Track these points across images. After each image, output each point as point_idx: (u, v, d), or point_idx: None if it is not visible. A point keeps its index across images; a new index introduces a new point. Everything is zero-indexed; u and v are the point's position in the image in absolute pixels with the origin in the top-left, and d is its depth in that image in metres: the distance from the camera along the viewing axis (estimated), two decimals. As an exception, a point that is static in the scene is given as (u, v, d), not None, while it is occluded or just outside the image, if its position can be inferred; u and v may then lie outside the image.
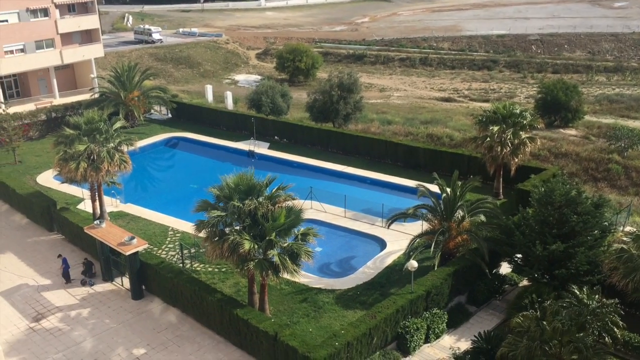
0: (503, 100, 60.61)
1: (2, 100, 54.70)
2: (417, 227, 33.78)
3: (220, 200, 26.13)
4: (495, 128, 37.40)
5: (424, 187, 32.10)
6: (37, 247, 35.75)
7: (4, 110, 49.83)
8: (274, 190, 26.42)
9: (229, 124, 57.50)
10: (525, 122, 38.29)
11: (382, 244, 34.96)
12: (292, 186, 27.08)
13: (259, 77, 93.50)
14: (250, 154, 50.49)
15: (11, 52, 57.81)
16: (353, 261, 33.90)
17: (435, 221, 30.92)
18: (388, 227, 33.40)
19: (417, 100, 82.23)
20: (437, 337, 26.99)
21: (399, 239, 34.49)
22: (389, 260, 32.76)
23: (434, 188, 32.39)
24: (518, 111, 38.61)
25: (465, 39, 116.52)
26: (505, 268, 30.58)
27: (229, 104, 64.00)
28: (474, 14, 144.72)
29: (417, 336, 25.77)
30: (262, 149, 51.34)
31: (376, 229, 36.51)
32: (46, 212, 37.11)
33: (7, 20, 56.68)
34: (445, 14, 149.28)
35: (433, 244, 29.21)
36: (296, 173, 45.75)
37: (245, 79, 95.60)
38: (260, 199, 25.44)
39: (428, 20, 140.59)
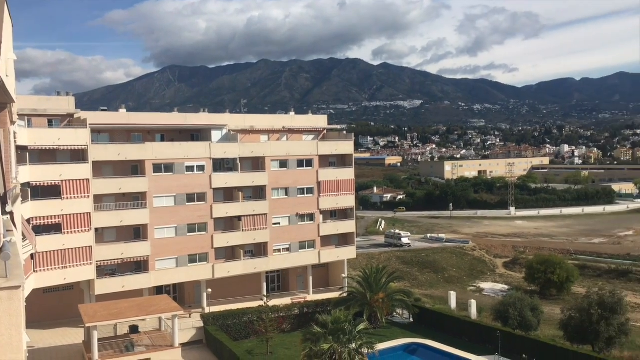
0: None
1: (265, 293, 60.92)
2: None
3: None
4: None
5: None
6: None
7: (265, 303, 55.03)
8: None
9: (472, 335, 54.60)
10: None
11: None
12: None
13: (506, 287, 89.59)
14: (493, 371, 46.54)
15: (279, 250, 65.56)
16: None
17: None
18: None
19: (701, 328, 69.08)
20: None
21: None
22: None
23: None
24: None
25: None
26: None
27: (473, 313, 61.62)
28: None
29: None
30: (507, 367, 47.06)
31: None
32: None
33: (279, 223, 65.36)
34: None
35: None
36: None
37: (491, 287, 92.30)
38: None
39: None
